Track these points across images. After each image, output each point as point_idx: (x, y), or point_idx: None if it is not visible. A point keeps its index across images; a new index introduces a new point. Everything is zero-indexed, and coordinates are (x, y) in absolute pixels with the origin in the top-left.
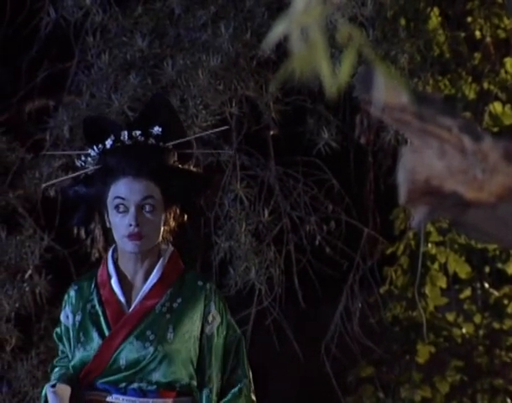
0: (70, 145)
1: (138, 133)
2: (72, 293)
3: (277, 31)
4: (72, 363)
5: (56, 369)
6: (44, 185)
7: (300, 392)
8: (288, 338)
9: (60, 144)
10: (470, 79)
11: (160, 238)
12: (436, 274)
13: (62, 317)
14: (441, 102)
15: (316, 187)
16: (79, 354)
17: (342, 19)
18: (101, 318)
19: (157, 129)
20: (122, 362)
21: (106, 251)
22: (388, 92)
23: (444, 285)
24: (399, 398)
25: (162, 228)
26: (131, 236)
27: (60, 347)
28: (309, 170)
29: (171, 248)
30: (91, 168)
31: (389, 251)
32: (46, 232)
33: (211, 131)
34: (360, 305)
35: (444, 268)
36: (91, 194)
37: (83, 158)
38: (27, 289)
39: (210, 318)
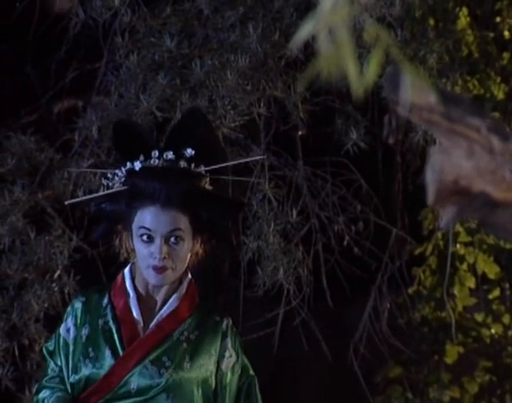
0: (98, 146)
1: (169, 155)
2: (78, 305)
3: (305, 31)
4: (76, 378)
5: (47, 393)
6: (67, 203)
7: (329, 392)
8: (316, 339)
9: (88, 145)
10: (499, 79)
11: (185, 267)
12: (465, 274)
13: (62, 330)
14: (470, 103)
15: (344, 187)
16: (86, 370)
17: (369, 19)
18: (115, 336)
19: (190, 151)
20: (133, 386)
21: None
22: (416, 92)
23: (473, 286)
24: (428, 398)
25: (188, 257)
26: (156, 268)
27: (51, 364)
28: (337, 170)
29: (189, 277)
30: (118, 188)
31: (417, 251)
32: (75, 233)
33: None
34: (388, 305)
35: (473, 268)
36: (115, 213)
37: (110, 176)
38: (56, 289)
39: (226, 354)
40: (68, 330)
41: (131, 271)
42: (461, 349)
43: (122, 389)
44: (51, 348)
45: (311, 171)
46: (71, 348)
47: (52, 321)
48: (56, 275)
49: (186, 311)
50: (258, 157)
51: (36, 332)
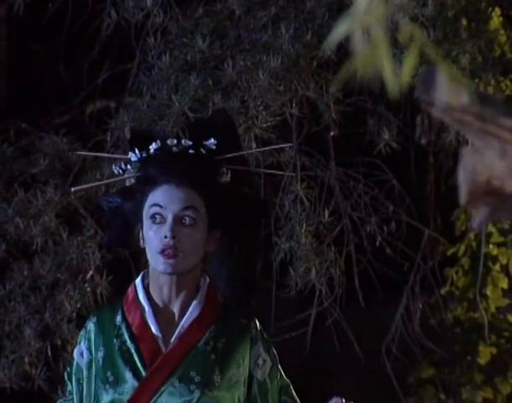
0: None
1: (188, 142)
2: (91, 326)
3: (338, 31)
4: None
5: None
6: (73, 190)
7: (361, 393)
8: (348, 339)
9: (120, 145)
10: None
11: (198, 261)
12: (498, 275)
13: (75, 354)
14: (503, 103)
15: (376, 188)
16: (108, 397)
17: (403, 19)
18: (135, 356)
19: (212, 142)
20: None
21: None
22: (449, 93)
23: (505, 286)
24: (461, 399)
25: (202, 250)
26: (165, 251)
27: (69, 386)
28: (369, 170)
29: (207, 279)
30: (129, 175)
31: (450, 252)
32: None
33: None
34: (421, 306)
35: (505, 269)
36: (127, 208)
37: (122, 165)
38: (88, 289)
39: (260, 361)
40: (81, 354)
41: (143, 280)
42: (494, 350)
43: None
44: (69, 370)
45: (343, 172)
46: (85, 374)
47: (84, 322)
48: (89, 276)
49: (210, 317)
50: (286, 144)
51: (69, 333)
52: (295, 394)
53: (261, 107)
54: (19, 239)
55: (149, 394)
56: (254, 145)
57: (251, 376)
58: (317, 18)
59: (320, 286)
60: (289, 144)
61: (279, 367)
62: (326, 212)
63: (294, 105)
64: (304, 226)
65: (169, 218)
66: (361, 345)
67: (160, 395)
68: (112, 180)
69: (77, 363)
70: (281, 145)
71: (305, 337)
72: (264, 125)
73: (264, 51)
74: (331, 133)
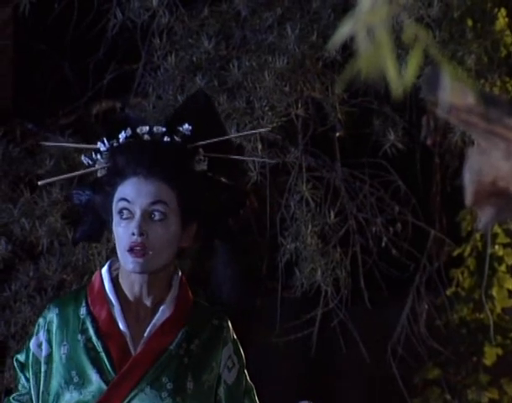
0: None
1: (161, 129)
2: (51, 317)
3: (343, 31)
4: None
5: None
6: (40, 183)
7: (367, 393)
8: (354, 340)
9: None
10: None
11: (171, 258)
12: (503, 275)
13: (32, 345)
14: (508, 104)
15: (382, 189)
16: (72, 399)
17: (408, 20)
18: (103, 355)
19: (186, 127)
20: None
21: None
22: (454, 93)
23: (511, 287)
24: (466, 400)
25: (175, 246)
26: (133, 250)
27: (22, 379)
28: (375, 171)
29: (179, 273)
30: (100, 166)
31: (455, 253)
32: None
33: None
34: (426, 306)
35: (511, 269)
36: (97, 201)
37: (93, 155)
38: None
39: (229, 364)
40: (39, 345)
41: (110, 271)
42: (499, 351)
43: None
44: (22, 360)
45: (349, 172)
46: (43, 368)
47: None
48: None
49: (182, 317)
50: (263, 129)
51: None
52: (256, 399)
53: (267, 108)
54: (25, 240)
55: (118, 399)
56: (260, 146)
57: (219, 377)
58: (323, 18)
59: (325, 287)
60: (265, 129)
61: (245, 370)
62: (332, 213)
63: (299, 106)
64: (309, 227)
65: (138, 214)
66: (366, 346)
67: (130, 401)
68: (82, 171)
69: (34, 355)
70: (259, 130)
71: (311, 337)
72: (270, 126)
73: (270, 52)
74: (337, 134)
